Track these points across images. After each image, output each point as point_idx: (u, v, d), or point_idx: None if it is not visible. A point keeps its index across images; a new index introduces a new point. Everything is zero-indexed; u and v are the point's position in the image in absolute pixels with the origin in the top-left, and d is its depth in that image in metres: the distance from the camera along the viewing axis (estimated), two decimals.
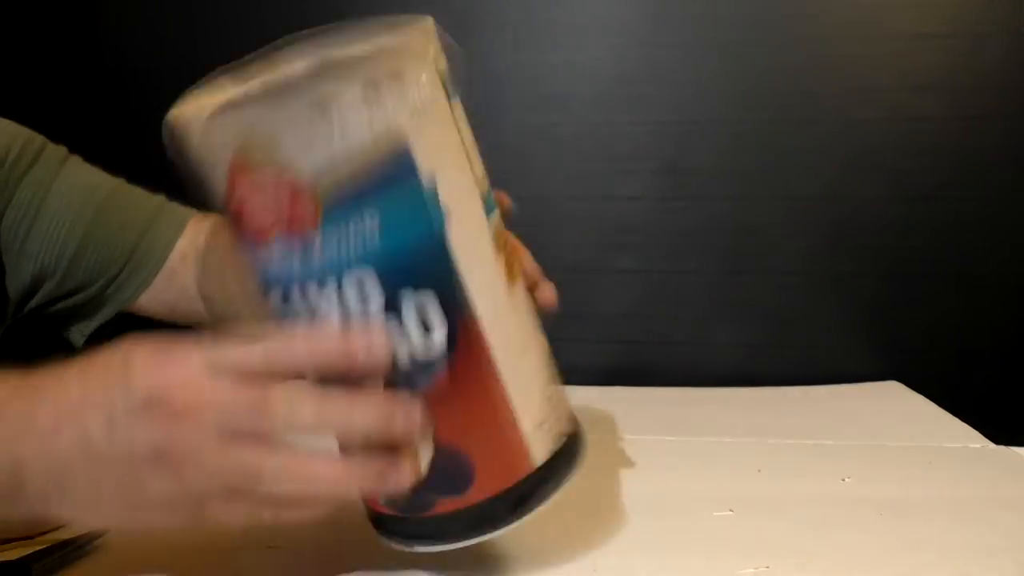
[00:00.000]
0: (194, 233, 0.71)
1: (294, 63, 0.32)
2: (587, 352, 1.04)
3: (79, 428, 0.36)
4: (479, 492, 0.37)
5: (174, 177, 0.39)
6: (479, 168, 0.38)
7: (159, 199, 0.73)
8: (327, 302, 0.35)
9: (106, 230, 0.69)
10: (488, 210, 0.38)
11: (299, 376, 0.36)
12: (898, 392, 0.91)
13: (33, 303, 0.69)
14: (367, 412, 0.35)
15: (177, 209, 0.73)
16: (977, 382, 0.97)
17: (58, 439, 0.36)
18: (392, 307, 0.35)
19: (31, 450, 0.37)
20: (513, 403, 0.38)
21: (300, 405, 0.35)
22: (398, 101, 0.33)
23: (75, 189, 0.68)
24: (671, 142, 1.02)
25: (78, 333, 0.71)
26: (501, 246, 0.38)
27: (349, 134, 0.33)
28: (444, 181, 0.35)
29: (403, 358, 0.35)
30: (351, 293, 0.34)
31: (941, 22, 0.96)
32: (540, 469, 0.38)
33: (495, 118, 1.04)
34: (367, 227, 0.34)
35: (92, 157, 0.72)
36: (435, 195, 0.35)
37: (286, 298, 0.36)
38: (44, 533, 0.49)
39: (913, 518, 0.51)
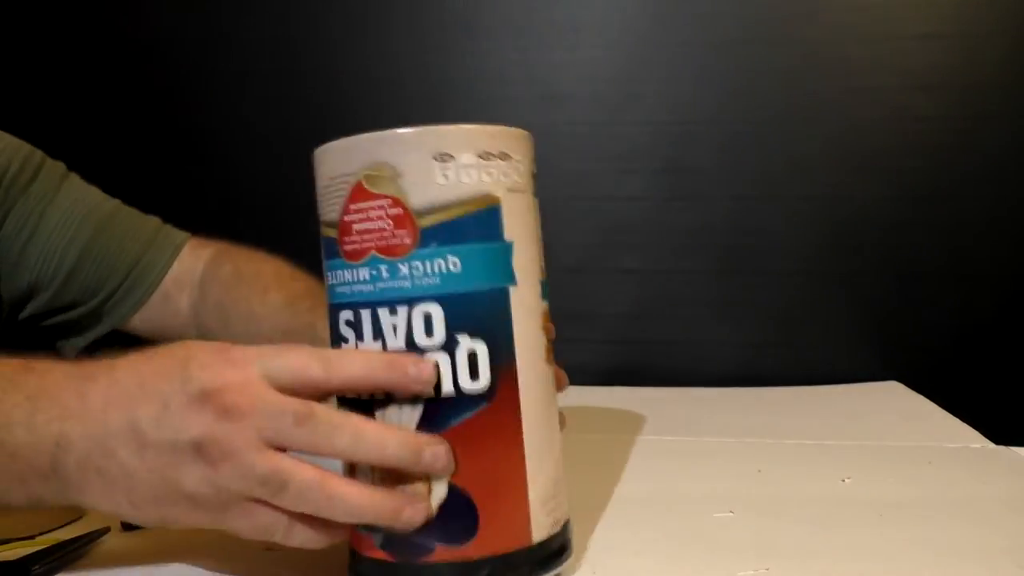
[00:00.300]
0: (192, 259, 0.72)
1: (426, 125, 0.40)
2: (587, 352, 1.04)
3: (129, 413, 0.37)
4: (478, 548, 0.39)
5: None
6: (542, 260, 0.44)
7: (155, 220, 0.74)
8: (391, 328, 0.39)
9: (106, 247, 0.69)
10: (543, 294, 0.43)
11: (347, 393, 0.40)
12: (898, 392, 0.92)
13: (26, 312, 0.69)
14: (401, 443, 0.38)
15: (173, 232, 0.74)
16: (977, 382, 0.97)
17: (107, 421, 0.38)
18: (448, 346, 0.39)
19: (78, 430, 0.38)
20: (528, 469, 0.41)
21: (341, 424, 0.37)
22: (501, 175, 0.41)
23: (76, 204, 0.70)
24: (671, 142, 1.02)
25: (71, 347, 0.72)
26: (546, 329, 0.43)
27: (458, 186, 0.39)
28: (518, 252, 0.41)
29: (446, 393, 0.39)
30: (417, 324, 0.39)
31: (941, 22, 0.96)
32: (535, 548, 0.41)
33: (495, 118, 1.04)
34: (448, 268, 0.39)
35: (86, 170, 0.73)
36: (511, 258, 0.41)
37: (355, 319, 0.40)
38: (44, 533, 0.49)
39: (913, 518, 0.51)
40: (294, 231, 1.10)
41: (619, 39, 1.02)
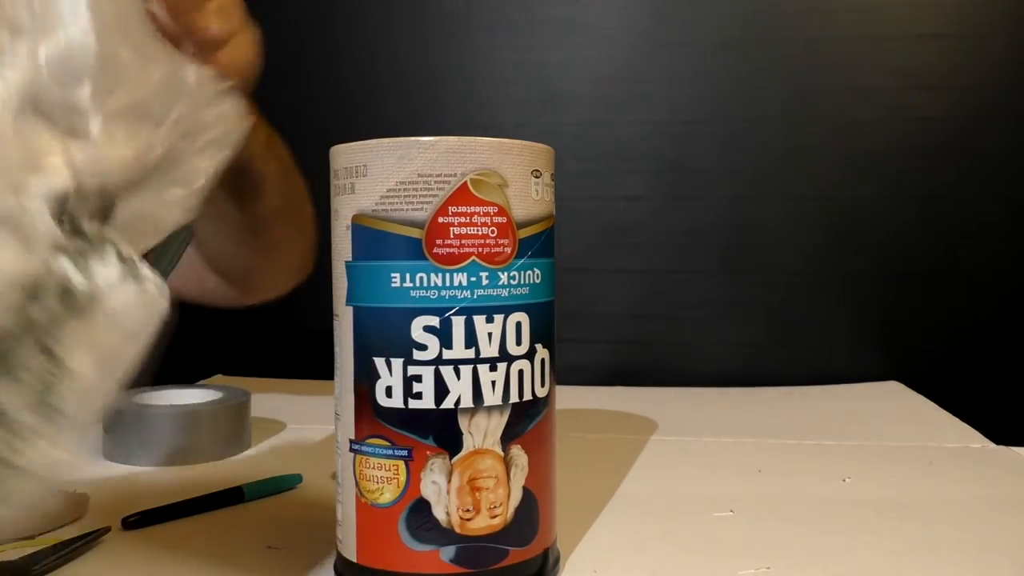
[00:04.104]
0: None
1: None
2: (587, 352, 1.04)
3: None
4: (535, 547, 0.42)
5: None
6: None
7: None
8: (486, 336, 0.40)
9: None
10: None
11: None
12: (898, 392, 0.92)
13: None
14: None
15: None
16: (977, 382, 0.97)
17: None
18: (530, 354, 0.41)
19: None
20: (554, 471, 0.44)
21: None
22: (553, 195, 0.43)
23: None
24: (671, 142, 1.02)
25: None
26: None
27: (542, 203, 0.42)
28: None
29: (527, 399, 0.41)
30: (510, 332, 0.40)
31: (941, 22, 0.96)
32: (554, 543, 0.44)
33: (495, 118, 1.04)
34: (534, 279, 0.41)
35: None
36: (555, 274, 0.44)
37: (441, 325, 0.39)
38: (44, 533, 0.49)
39: (913, 518, 0.52)
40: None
41: (619, 39, 1.02)
